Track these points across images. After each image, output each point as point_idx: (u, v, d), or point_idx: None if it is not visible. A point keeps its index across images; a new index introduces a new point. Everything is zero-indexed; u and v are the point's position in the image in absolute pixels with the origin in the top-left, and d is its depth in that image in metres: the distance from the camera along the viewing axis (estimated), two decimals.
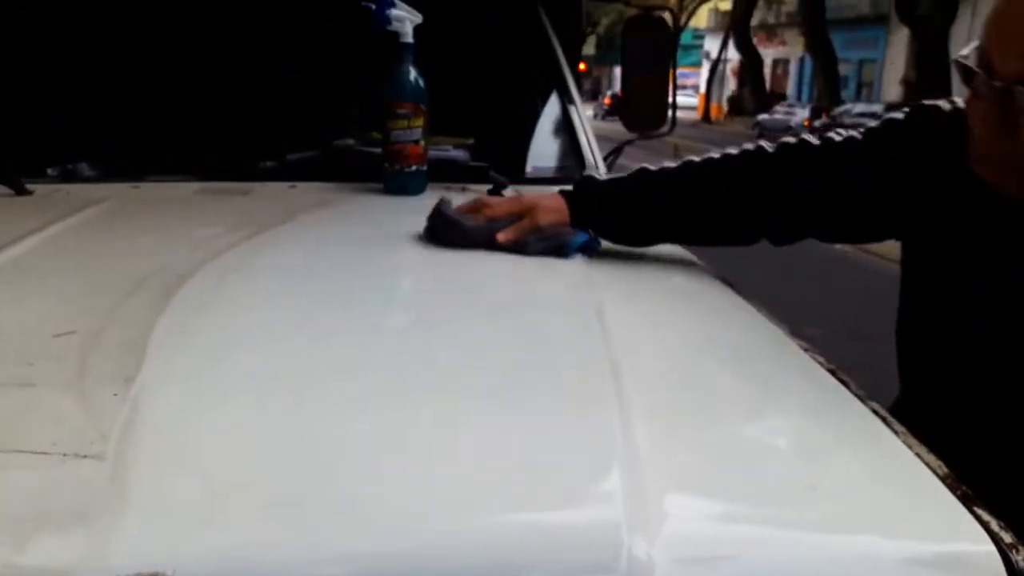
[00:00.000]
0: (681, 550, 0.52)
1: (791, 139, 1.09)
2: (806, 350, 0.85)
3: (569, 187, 1.13)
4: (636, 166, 1.13)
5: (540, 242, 1.05)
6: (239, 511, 0.52)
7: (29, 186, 1.32)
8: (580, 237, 1.07)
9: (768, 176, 1.05)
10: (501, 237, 1.04)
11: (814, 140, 1.06)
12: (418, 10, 1.41)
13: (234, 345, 0.74)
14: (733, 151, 1.10)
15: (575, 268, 1.05)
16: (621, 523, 0.52)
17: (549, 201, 1.09)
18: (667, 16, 2.02)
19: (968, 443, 0.79)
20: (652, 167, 1.11)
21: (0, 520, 0.49)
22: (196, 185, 1.42)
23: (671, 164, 1.12)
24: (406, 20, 1.38)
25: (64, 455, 0.55)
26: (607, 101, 27.74)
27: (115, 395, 0.62)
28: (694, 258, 1.20)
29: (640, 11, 2.05)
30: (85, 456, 0.55)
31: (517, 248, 1.04)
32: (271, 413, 0.62)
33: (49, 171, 1.43)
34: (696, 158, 1.11)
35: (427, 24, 1.41)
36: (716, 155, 1.10)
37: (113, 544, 0.48)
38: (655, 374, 0.74)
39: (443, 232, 1.06)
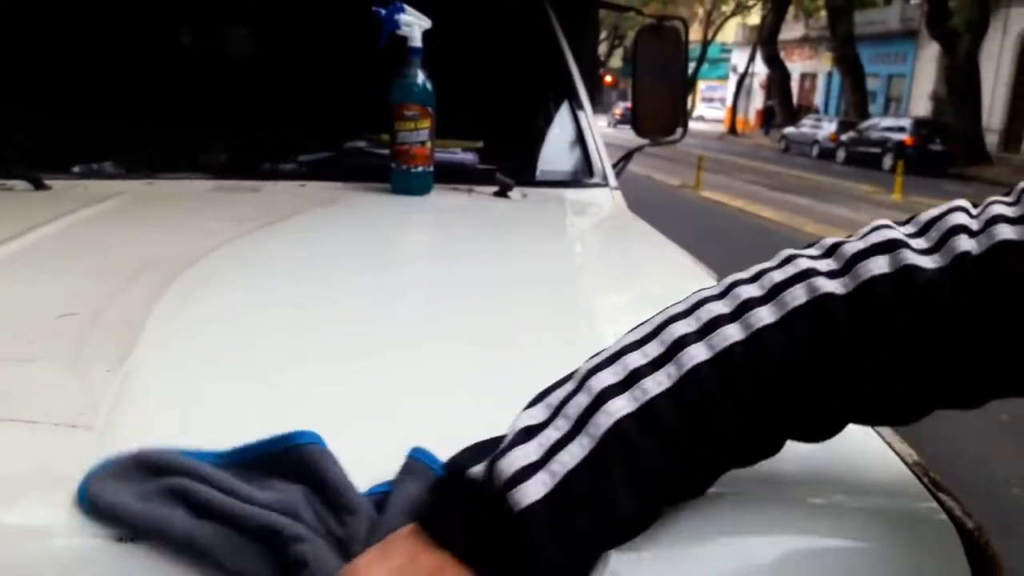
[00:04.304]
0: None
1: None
2: None
3: None
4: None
5: None
6: None
7: (48, 181, 1.36)
8: None
9: None
10: None
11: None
12: (428, 15, 1.44)
13: (228, 327, 0.77)
14: None
15: (574, 271, 1.06)
16: None
17: None
18: (679, 26, 2.03)
19: None
20: None
21: None
22: (209, 183, 1.45)
23: None
24: (415, 25, 1.41)
25: (55, 424, 0.57)
26: (618, 113, 28.15)
27: (108, 371, 0.64)
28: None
29: (653, 20, 2.07)
30: (74, 426, 0.57)
31: None
32: (255, 391, 0.65)
33: (76, 169, 1.47)
34: None
35: (437, 28, 1.44)
36: None
37: None
38: None
39: None
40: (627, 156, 2.03)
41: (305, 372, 0.69)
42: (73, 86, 1.63)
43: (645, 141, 2.00)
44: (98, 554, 0.49)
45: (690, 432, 0.47)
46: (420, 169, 1.45)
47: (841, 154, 20.09)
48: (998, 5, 19.65)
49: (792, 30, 30.29)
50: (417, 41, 1.42)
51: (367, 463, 0.56)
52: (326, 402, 0.64)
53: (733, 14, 33.60)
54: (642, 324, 0.53)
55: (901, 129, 18.68)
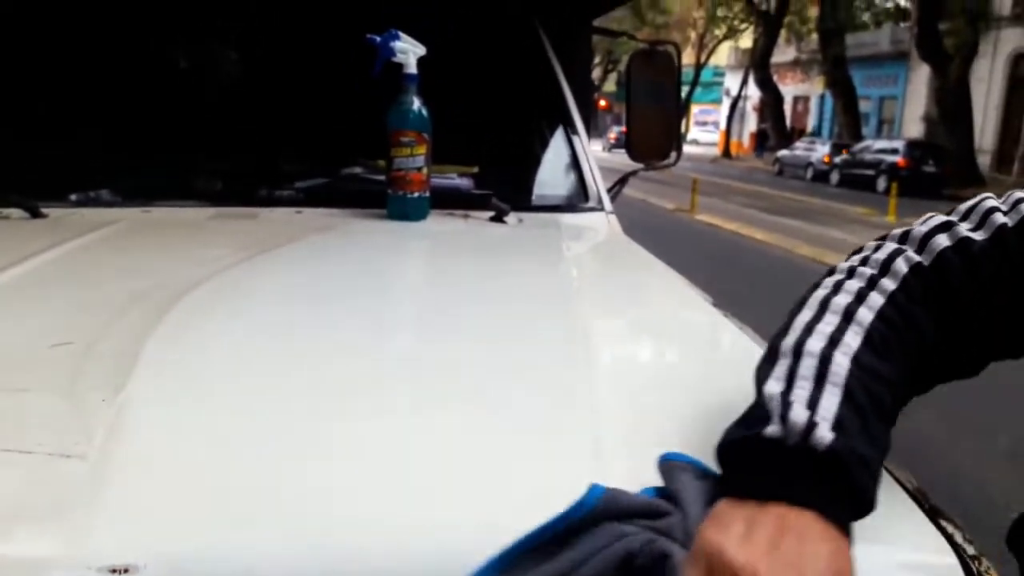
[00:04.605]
0: None
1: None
2: None
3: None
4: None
5: None
6: (210, 511, 0.53)
7: (44, 209, 1.36)
8: None
9: None
10: None
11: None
12: (423, 42, 1.45)
13: (221, 358, 0.77)
14: None
15: (570, 296, 1.06)
16: None
17: None
18: (672, 50, 2.05)
19: None
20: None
21: None
22: (206, 210, 1.46)
23: None
24: (410, 52, 1.42)
25: (49, 454, 0.57)
26: (612, 137, 28.43)
27: (103, 401, 0.64)
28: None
29: (646, 45, 2.09)
30: (68, 456, 0.57)
31: None
32: (248, 422, 0.64)
33: (73, 197, 1.47)
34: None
35: (432, 54, 1.45)
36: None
37: (88, 538, 0.50)
38: (637, 406, 0.75)
39: None
40: (622, 180, 2.04)
41: (301, 401, 0.68)
42: (70, 114, 1.63)
43: (640, 165, 2.00)
44: None
45: (889, 374, 0.57)
46: (416, 195, 1.45)
47: (835, 176, 20.17)
48: (988, 27, 19.86)
49: (784, 53, 30.56)
50: (412, 68, 1.43)
51: (368, 480, 0.56)
52: (322, 431, 0.64)
53: (725, 38, 33.90)
54: (804, 308, 0.63)
55: (894, 151, 18.77)
